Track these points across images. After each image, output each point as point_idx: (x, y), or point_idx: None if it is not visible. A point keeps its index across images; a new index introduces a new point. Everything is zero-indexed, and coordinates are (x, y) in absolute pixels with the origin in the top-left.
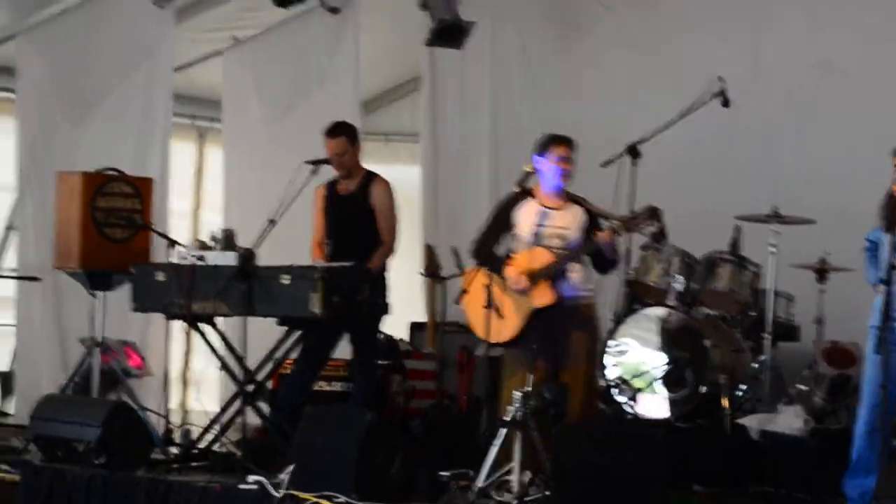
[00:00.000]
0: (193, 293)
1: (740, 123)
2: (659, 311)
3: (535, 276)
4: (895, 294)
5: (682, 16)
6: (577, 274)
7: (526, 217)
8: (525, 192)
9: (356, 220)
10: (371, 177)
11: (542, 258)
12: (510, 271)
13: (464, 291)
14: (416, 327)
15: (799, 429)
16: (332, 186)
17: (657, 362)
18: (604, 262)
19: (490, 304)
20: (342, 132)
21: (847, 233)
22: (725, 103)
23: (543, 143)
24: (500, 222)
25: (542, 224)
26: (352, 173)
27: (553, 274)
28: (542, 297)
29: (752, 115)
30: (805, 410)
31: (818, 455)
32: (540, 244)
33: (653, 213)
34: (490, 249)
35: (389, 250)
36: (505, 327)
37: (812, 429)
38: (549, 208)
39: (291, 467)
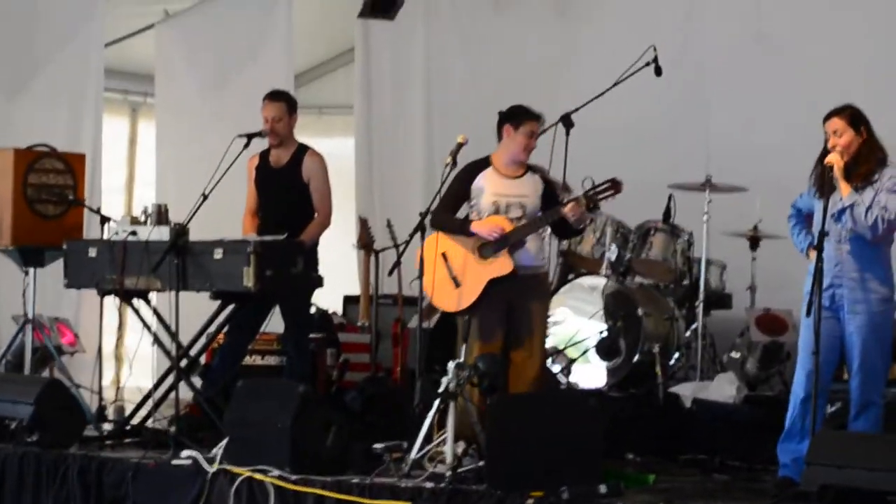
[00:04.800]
0: (126, 269)
1: (674, 93)
2: (593, 281)
3: (496, 244)
4: (829, 259)
5: None
6: (533, 243)
7: (485, 185)
8: (483, 161)
9: (288, 192)
10: (303, 149)
11: (502, 226)
12: (478, 225)
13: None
14: (349, 300)
15: (732, 396)
16: (264, 158)
17: (591, 332)
18: (568, 230)
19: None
20: (283, 98)
21: (779, 201)
22: (658, 71)
23: (517, 115)
24: (459, 192)
25: (502, 193)
26: (284, 144)
27: (513, 242)
28: (501, 266)
29: (686, 84)
30: (738, 378)
31: (751, 422)
32: (499, 213)
33: (614, 185)
34: (449, 216)
35: (323, 223)
36: (462, 295)
37: (745, 396)
38: (508, 177)
39: (225, 442)
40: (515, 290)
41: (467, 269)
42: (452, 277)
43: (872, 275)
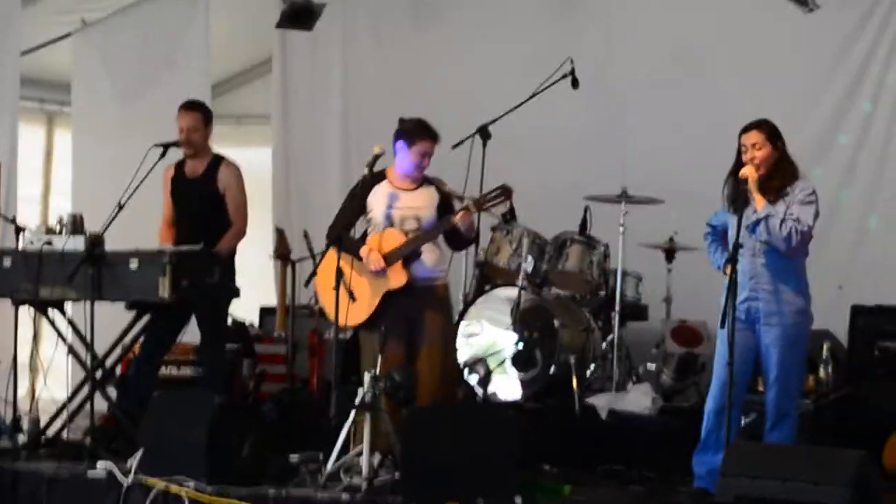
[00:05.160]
0: (41, 279)
1: (591, 105)
2: (510, 292)
3: (389, 257)
4: (744, 272)
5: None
6: (430, 255)
7: (380, 199)
8: (378, 175)
9: (203, 202)
10: (219, 160)
11: (395, 240)
12: (365, 252)
13: (313, 274)
14: (265, 311)
15: (647, 407)
16: (180, 168)
17: (508, 343)
18: (460, 240)
19: (339, 287)
20: (198, 108)
21: (694, 213)
22: (574, 84)
23: (410, 132)
24: (355, 206)
25: (396, 206)
26: (199, 154)
27: (407, 255)
28: (396, 278)
29: (603, 96)
30: (653, 389)
31: (666, 433)
32: (394, 226)
33: (504, 192)
34: (345, 233)
35: (238, 233)
36: (359, 309)
37: (660, 407)
38: (403, 190)
39: (140, 453)
40: (412, 302)
41: (363, 283)
42: (349, 292)
43: (787, 287)
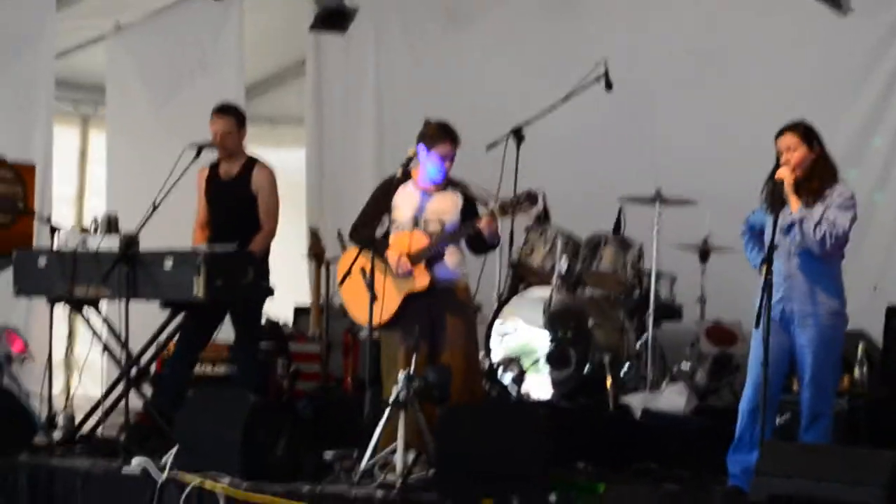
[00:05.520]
0: (76, 278)
1: (624, 106)
2: (543, 292)
3: (413, 259)
4: (779, 273)
5: (567, 1)
6: (451, 257)
7: (405, 201)
8: (405, 176)
9: (238, 204)
10: (253, 162)
11: (419, 241)
12: (390, 254)
13: (347, 274)
14: (300, 311)
15: (681, 407)
16: (214, 170)
17: (543, 342)
18: (482, 245)
19: (373, 287)
20: (231, 112)
21: (728, 214)
22: (608, 86)
23: (430, 136)
24: (380, 205)
25: (421, 208)
26: (234, 156)
27: (430, 256)
28: (420, 280)
29: (636, 97)
30: (688, 389)
31: (701, 433)
32: (417, 227)
33: (530, 198)
34: (370, 232)
35: (269, 234)
36: (380, 310)
37: (695, 407)
38: (428, 192)
39: (175, 450)
40: (434, 304)
41: (386, 283)
42: (371, 292)
43: (822, 288)
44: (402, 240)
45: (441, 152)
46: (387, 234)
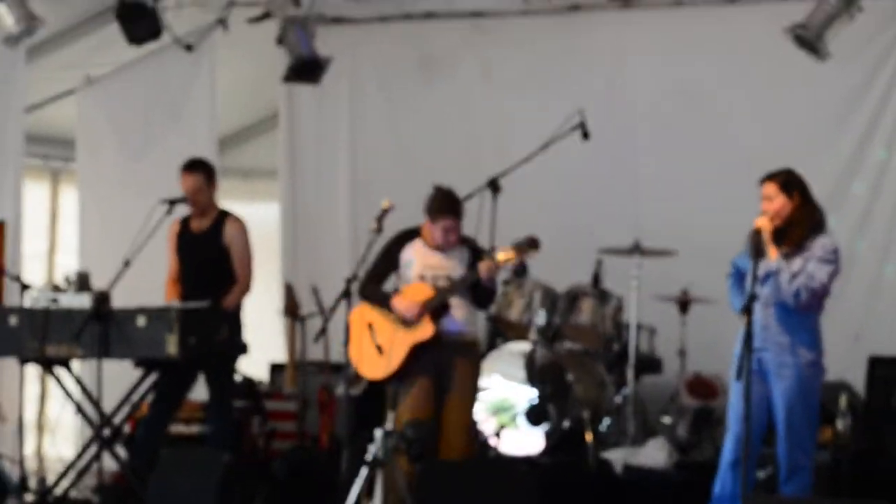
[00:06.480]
0: (47, 337)
1: (601, 157)
2: (522, 347)
3: (422, 307)
4: (756, 323)
5: (545, 50)
6: (459, 310)
7: (412, 257)
8: (413, 232)
9: (209, 258)
10: (224, 215)
11: (423, 293)
12: (397, 301)
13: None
14: (275, 368)
15: (663, 461)
16: (185, 224)
17: (521, 397)
18: (482, 294)
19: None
20: (199, 169)
21: (708, 264)
22: (585, 135)
23: (433, 210)
24: (387, 261)
25: (429, 265)
26: (206, 211)
27: (435, 307)
28: (423, 330)
29: (613, 148)
30: (669, 443)
31: (682, 487)
32: (426, 283)
33: (532, 243)
34: (377, 287)
35: (244, 289)
36: (386, 362)
37: (676, 461)
38: (436, 249)
39: None
40: (442, 355)
41: (392, 337)
42: (377, 346)
43: (798, 340)
44: (410, 289)
45: (443, 226)
46: (396, 290)
